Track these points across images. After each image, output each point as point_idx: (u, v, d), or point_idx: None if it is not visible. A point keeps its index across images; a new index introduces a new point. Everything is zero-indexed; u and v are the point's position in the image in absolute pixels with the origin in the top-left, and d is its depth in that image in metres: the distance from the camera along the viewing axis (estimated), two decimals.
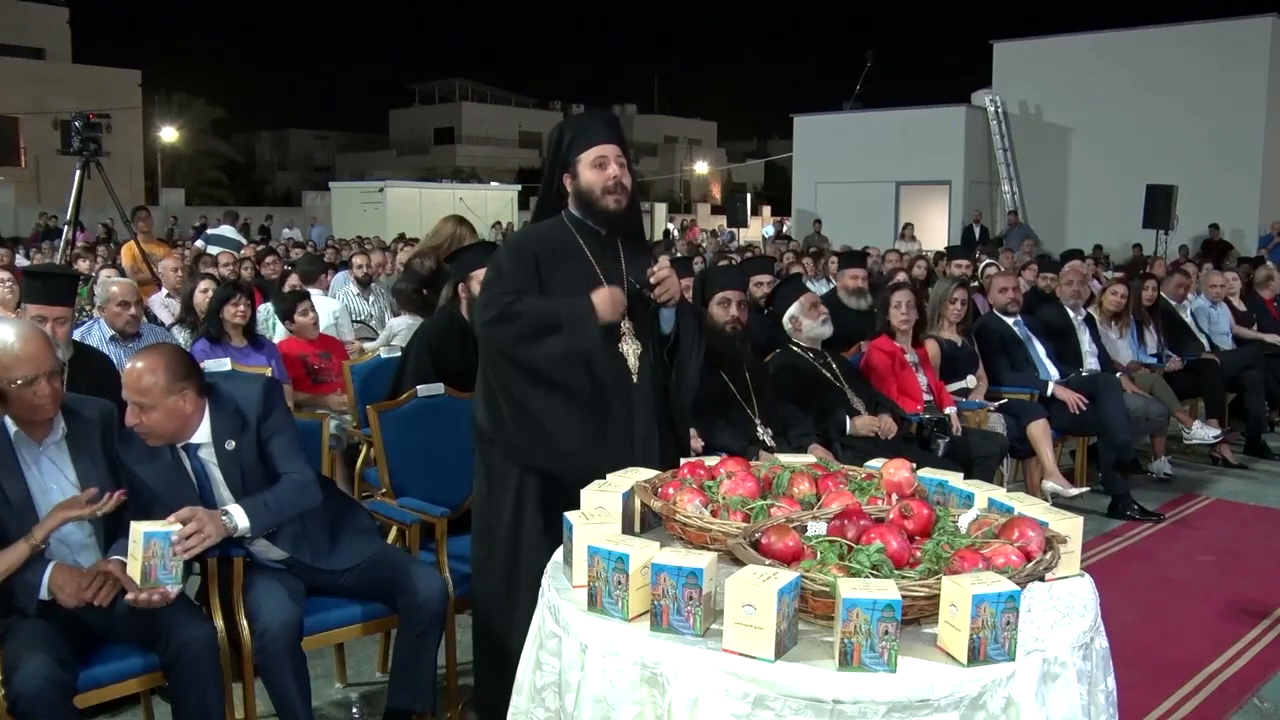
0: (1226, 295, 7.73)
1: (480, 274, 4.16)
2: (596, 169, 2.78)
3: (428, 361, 4.01)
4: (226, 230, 10.91)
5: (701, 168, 43.60)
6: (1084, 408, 5.54)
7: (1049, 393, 5.58)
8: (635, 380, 2.82)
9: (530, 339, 2.69)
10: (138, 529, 2.51)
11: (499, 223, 26.45)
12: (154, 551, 2.50)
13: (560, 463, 2.70)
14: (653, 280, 2.78)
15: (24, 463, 2.66)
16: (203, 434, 2.82)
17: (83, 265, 8.80)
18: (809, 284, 6.28)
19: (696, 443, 3.85)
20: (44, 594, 2.55)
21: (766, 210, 34.99)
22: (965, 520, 2.11)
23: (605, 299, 2.72)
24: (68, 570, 2.57)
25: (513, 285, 2.75)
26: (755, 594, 1.72)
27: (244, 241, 12.37)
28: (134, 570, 2.51)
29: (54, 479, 2.69)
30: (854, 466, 2.55)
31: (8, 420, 2.64)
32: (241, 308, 4.94)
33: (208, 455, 2.84)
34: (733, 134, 57.93)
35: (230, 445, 2.82)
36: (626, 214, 2.84)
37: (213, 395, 2.84)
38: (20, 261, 10.28)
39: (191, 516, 2.61)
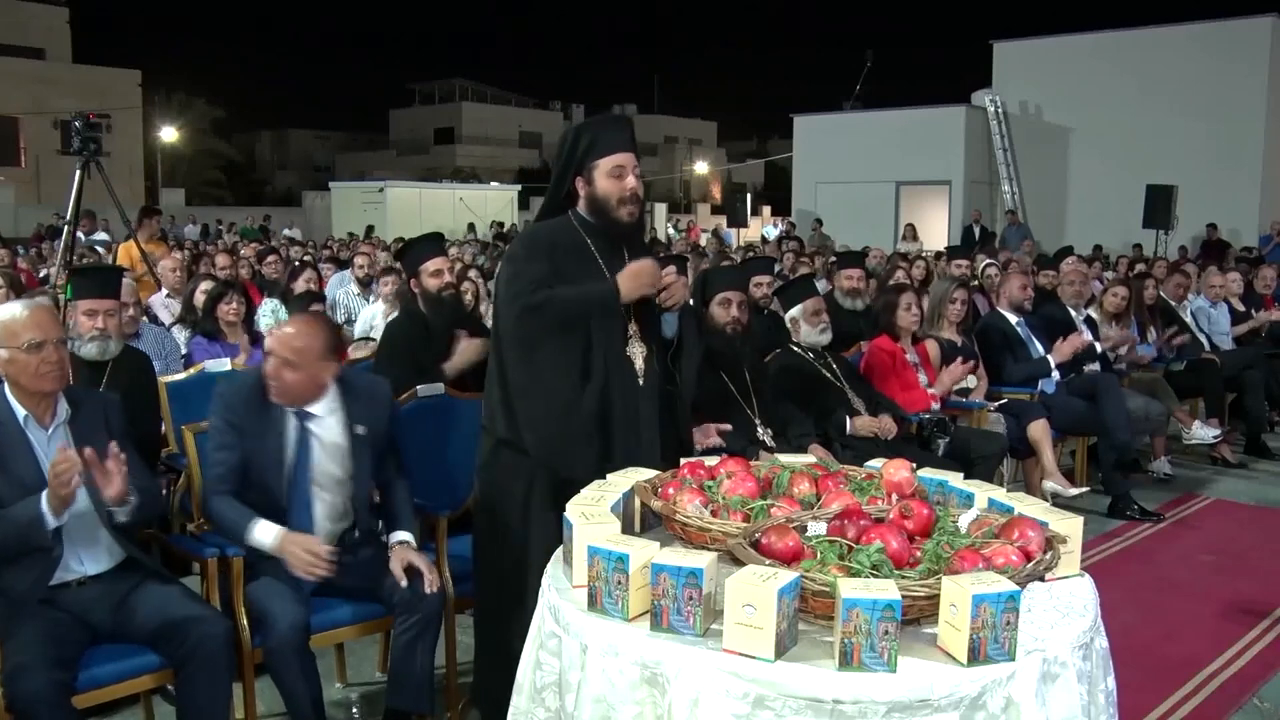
0: (1227, 295, 7.74)
1: (430, 265, 4.23)
2: (614, 179, 2.77)
3: (400, 359, 4.05)
4: (100, 237, 10.69)
5: (701, 168, 43.57)
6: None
7: (1052, 371, 5.63)
8: (642, 383, 2.83)
9: (560, 326, 2.71)
10: None
11: (496, 222, 26.44)
12: None
13: (571, 464, 2.70)
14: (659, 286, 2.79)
15: (35, 447, 2.69)
16: (322, 408, 2.94)
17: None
18: None
19: (711, 439, 3.84)
20: (51, 521, 2.56)
21: (767, 210, 34.97)
22: (965, 520, 2.11)
23: (629, 276, 2.74)
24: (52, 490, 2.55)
25: (534, 278, 2.74)
26: (755, 594, 1.73)
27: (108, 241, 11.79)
28: None
29: None
30: (854, 466, 2.55)
31: (16, 405, 2.69)
32: (234, 305, 5.00)
33: (318, 427, 2.92)
34: (733, 134, 57.87)
35: (360, 429, 2.96)
36: (639, 226, 2.87)
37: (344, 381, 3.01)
38: (20, 264, 10.25)
39: None
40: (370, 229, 23.05)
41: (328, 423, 2.94)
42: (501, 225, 25.14)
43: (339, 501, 2.99)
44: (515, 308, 2.73)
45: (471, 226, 23.56)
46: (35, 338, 2.65)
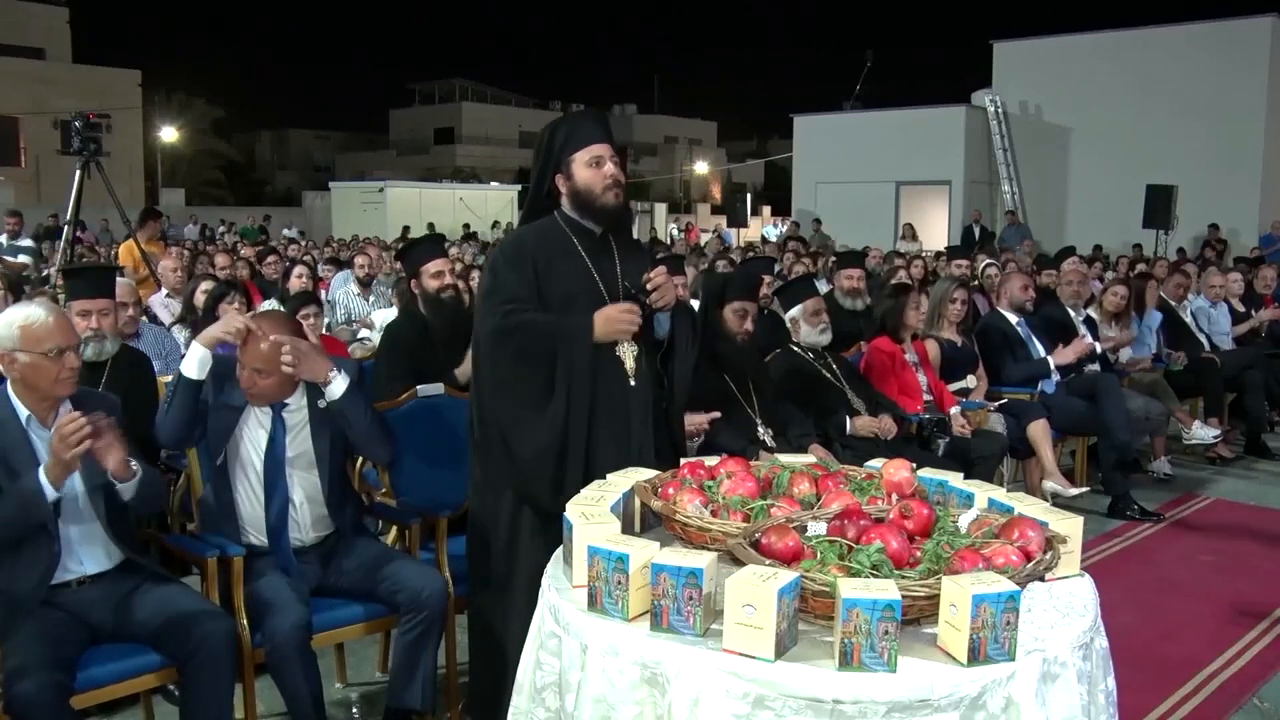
0: (1227, 295, 7.74)
1: (431, 266, 4.23)
2: (593, 168, 2.78)
3: (399, 362, 4.04)
4: (25, 244, 10.47)
5: (701, 168, 43.55)
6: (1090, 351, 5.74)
7: (1052, 371, 5.64)
8: (633, 384, 2.82)
9: (524, 356, 2.71)
10: None
11: (498, 223, 26.44)
12: None
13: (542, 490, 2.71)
14: (649, 286, 2.78)
15: (38, 447, 2.69)
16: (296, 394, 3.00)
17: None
18: None
19: (699, 420, 3.84)
20: (51, 493, 2.55)
21: (767, 210, 34.96)
22: (965, 520, 2.11)
23: (603, 320, 2.72)
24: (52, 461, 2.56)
25: (510, 295, 2.74)
26: (755, 594, 1.73)
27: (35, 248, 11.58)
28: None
29: None
30: (854, 466, 2.55)
31: (19, 405, 2.69)
32: (236, 305, 4.99)
33: (288, 411, 2.98)
34: (733, 134, 57.86)
35: (322, 403, 2.99)
36: (625, 209, 2.86)
37: None
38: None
39: None
40: (406, 229, 22.61)
41: (295, 403, 3.00)
42: (468, 225, 24.92)
43: (315, 479, 3.02)
44: (488, 326, 2.75)
45: (431, 226, 23.15)
46: (60, 344, 2.66)
